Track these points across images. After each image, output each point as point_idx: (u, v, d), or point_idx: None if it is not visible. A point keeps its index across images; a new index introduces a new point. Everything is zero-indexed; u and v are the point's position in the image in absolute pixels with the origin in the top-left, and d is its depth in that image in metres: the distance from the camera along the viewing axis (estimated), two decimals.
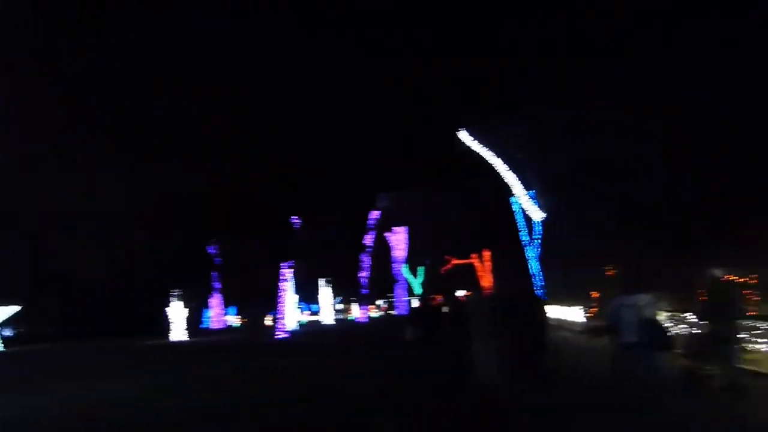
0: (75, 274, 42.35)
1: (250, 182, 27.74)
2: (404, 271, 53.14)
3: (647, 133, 28.85)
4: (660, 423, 6.82)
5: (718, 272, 9.58)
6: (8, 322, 37.36)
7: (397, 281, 50.22)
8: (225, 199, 27.25)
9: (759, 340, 11.81)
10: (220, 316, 48.37)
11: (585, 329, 22.93)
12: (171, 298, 35.17)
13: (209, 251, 47.24)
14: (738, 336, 9.56)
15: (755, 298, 19.75)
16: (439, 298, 22.35)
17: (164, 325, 35.13)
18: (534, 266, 32.95)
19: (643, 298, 8.84)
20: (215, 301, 47.86)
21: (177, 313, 35.29)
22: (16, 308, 34.78)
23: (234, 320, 55.56)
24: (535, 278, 32.72)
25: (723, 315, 9.28)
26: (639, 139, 29.15)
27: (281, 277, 31.99)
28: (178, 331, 34.89)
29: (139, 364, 19.61)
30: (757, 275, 19.07)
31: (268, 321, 40.89)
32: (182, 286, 36.06)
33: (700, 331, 10.11)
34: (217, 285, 47.50)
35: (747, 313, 12.54)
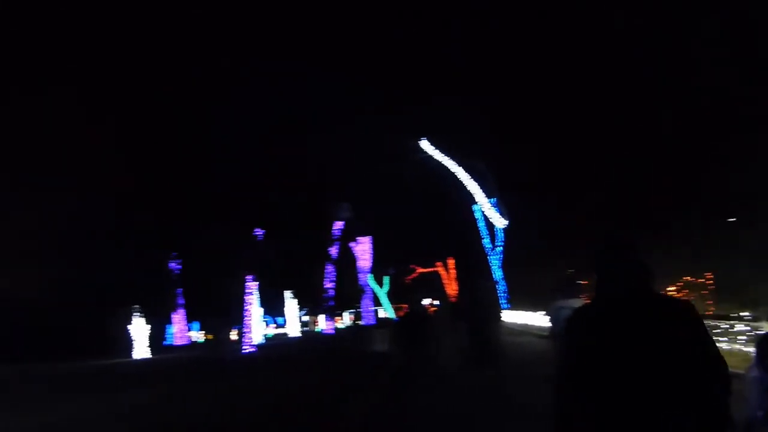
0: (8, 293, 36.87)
1: (211, 194, 27.19)
2: (370, 281, 53.18)
3: None
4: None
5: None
6: None
7: (363, 291, 50.16)
8: (185, 209, 26.51)
9: None
10: (184, 332, 47.49)
11: (549, 333, 23.56)
12: (132, 315, 34.46)
13: (170, 266, 46.29)
14: None
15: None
16: (405, 307, 22.61)
17: (125, 342, 34.34)
18: (497, 273, 33.49)
19: (577, 302, 10.44)
20: (178, 317, 46.93)
21: (139, 329, 34.60)
22: None
23: (198, 336, 54.64)
24: (498, 285, 33.21)
25: None
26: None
27: (246, 290, 31.69)
28: (141, 349, 34.21)
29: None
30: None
31: (233, 335, 40.27)
32: (139, 302, 35.22)
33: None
34: (181, 300, 46.61)
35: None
